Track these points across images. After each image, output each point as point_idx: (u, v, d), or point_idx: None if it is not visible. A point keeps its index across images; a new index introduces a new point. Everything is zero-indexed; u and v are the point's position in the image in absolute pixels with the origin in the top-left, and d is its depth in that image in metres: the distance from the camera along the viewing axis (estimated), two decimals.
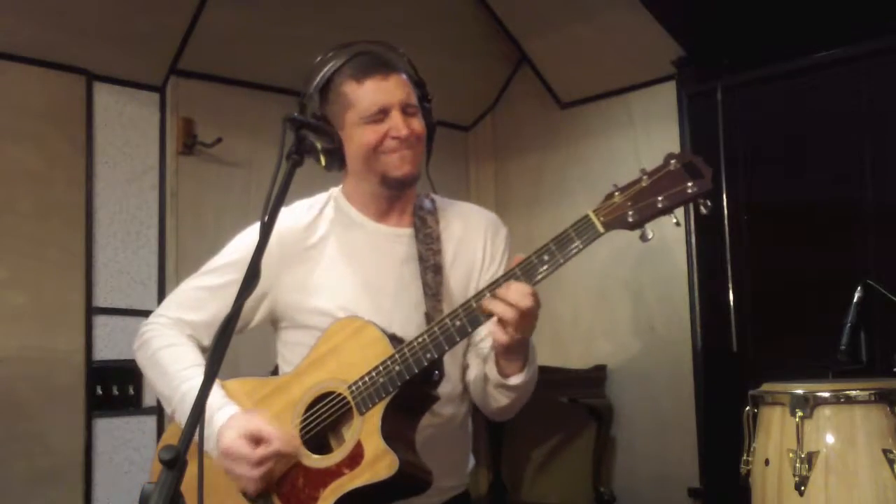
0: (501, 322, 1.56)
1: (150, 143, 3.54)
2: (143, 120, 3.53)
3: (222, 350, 1.34)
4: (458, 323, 1.59)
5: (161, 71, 3.54)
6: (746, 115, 3.57)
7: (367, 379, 1.64)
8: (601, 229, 1.50)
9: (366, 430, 1.62)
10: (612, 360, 3.99)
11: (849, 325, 2.84)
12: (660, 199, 1.47)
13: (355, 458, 1.62)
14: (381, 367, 1.63)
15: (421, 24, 3.83)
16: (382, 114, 1.77)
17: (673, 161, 1.48)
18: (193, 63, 3.57)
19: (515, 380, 1.68)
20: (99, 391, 3.33)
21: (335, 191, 1.93)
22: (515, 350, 1.64)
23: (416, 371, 1.60)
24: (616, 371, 3.97)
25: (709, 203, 1.49)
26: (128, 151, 3.49)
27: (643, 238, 1.50)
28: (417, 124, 1.81)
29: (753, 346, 3.49)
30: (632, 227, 1.49)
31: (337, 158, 1.83)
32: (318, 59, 1.84)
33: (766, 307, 3.48)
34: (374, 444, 1.61)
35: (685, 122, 3.74)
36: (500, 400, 1.75)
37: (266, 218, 1.45)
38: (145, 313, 3.39)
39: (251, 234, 1.88)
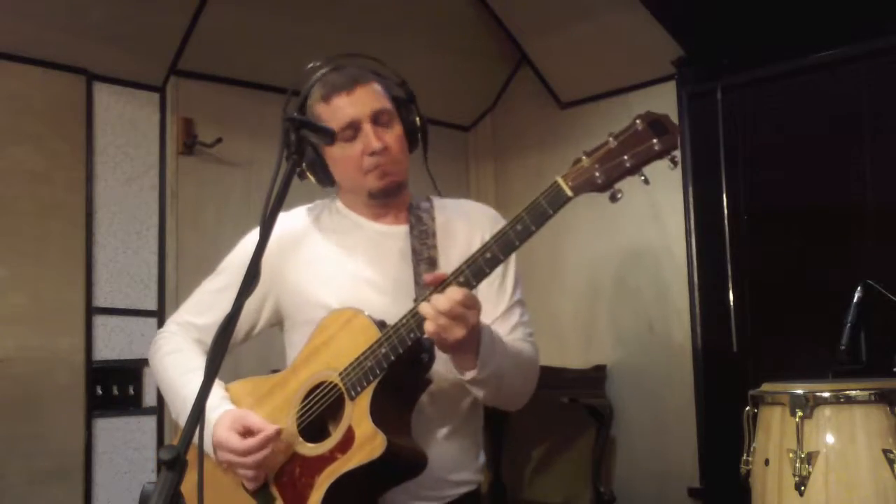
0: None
1: (150, 144, 3.54)
2: (143, 120, 3.53)
3: (222, 351, 1.34)
4: None
5: (161, 71, 3.54)
6: (746, 116, 3.57)
7: (355, 364, 1.66)
8: (569, 193, 1.50)
9: (356, 414, 1.65)
10: (611, 360, 3.99)
11: (849, 325, 2.85)
12: (626, 158, 1.45)
13: (347, 442, 1.65)
14: (368, 352, 1.65)
15: (421, 24, 3.83)
16: (353, 129, 1.80)
17: (638, 121, 1.46)
18: (193, 63, 3.57)
19: (470, 374, 1.64)
20: (99, 391, 3.33)
21: (332, 197, 1.99)
22: (456, 348, 1.60)
23: (401, 351, 1.61)
24: (616, 371, 3.97)
25: (677, 159, 1.46)
26: (128, 151, 3.49)
27: (613, 199, 1.48)
28: (392, 133, 1.83)
29: (753, 346, 3.49)
30: (601, 188, 1.48)
31: (327, 175, 1.88)
32: (300, 79, 1.87)
33: (766, 307, 3.48)
34: (363, 427, 1.63)
35: (685, 122, 3.74)
36: (476, 393, 1.73)
37: (266, 218, 1.46)
38: (145, 313, 3.49)
39: (254, 235, 1.89)
